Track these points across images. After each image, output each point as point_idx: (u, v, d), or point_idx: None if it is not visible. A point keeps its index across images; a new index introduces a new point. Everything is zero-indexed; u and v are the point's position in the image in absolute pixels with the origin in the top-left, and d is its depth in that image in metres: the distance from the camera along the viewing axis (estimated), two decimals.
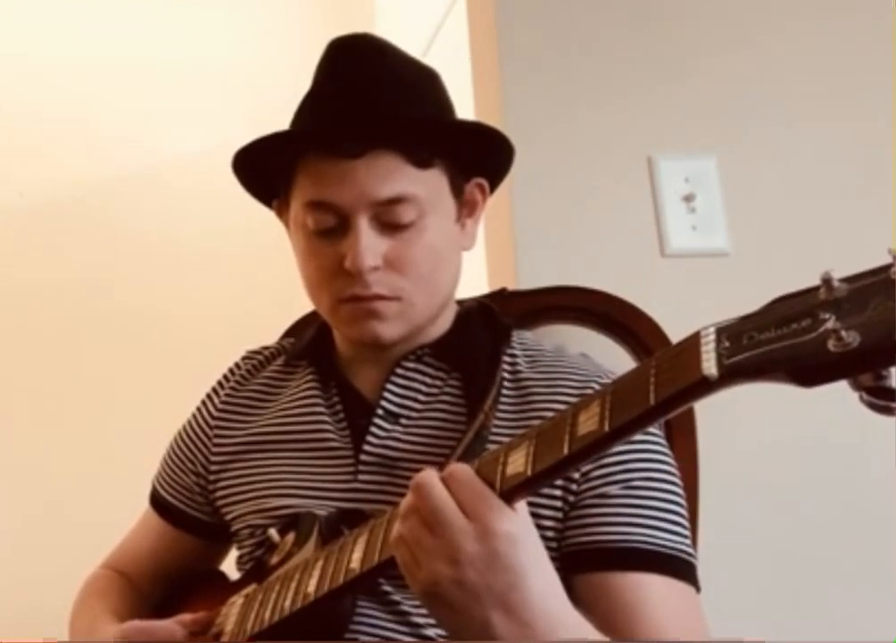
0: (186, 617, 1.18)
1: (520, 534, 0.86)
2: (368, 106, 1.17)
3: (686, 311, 1.45)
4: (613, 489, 1.11)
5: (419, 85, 1.21)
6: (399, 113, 1.18)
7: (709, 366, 0.71)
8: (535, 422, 1.10)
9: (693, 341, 0.74)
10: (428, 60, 2.35)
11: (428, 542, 0.86)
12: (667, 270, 1.76)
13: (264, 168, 1.23)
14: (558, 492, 1.11)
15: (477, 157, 1.24)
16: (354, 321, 1.20)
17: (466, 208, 1.25)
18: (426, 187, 1.17)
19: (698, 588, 1.11)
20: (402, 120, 1.18)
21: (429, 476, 0.88)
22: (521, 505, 0.88)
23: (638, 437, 1.12)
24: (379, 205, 1.14)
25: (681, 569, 1.09)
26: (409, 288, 1.17)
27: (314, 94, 1.22)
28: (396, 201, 1.15)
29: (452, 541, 0.85)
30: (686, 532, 1.12)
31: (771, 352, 0.69)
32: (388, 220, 1.15)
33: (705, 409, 1.33)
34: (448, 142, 1.19)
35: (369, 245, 1.14)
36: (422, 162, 1.16)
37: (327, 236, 1.18)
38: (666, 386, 0.74)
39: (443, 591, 0.86)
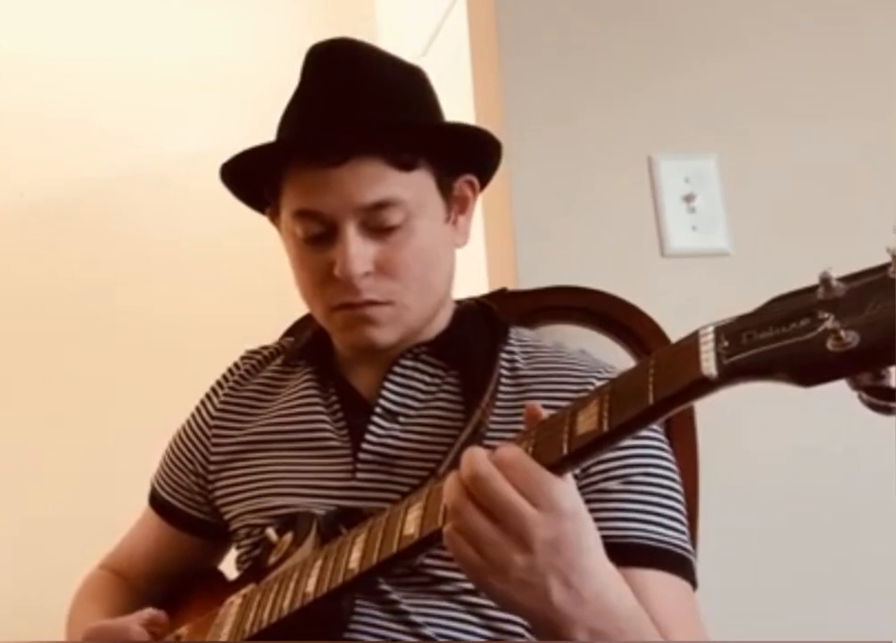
0: (145, 614, 1.18)
1: (581, 510, 0.86)
2: (348, 113, 1.16)
3: (686, 311, 1.45)
4: (612, 485, 1.11)
5: (401, 87, 1.21)
6: (379, 118, 1.17)
7: (709, 366, 0.71)
8: None
9: (692, 340, 0.74)
10: (428, 60, 2.36)
11: (494, 535, 0.83)
12: (667, 270, 1.76)
13: (252, 178, 1.23)
14: None
15: (464, 156, 1.23)
16: (348, 328, 1.20)
17: (457, 205, 1.25)
18: (411, 189, 1.17)
19: (695, 585, 1.12)
20: (382, 125, 1.17)
21: (485, 465, 0.84)
22: (570, 478, 0.86)
23: (640, 433, 1.12)
24: (365, 211, 1.15)
25: (678, 564, 1.10)
26: (401, 292, 1.17)
27: (295, 102, 1.22)
28: (382, 205, 1.15)
29: (523, 531, 0.83)
30: (684, 529, 1.13)
31: (770, 351, 0.69)
32: (375, 224, 1.15)
33: (705, 409, 1.33)
34: (432, 143, 1.19)
35: (358, 251, 1.14)
36: (406, 165, 1.16)
37: (316, 243, 1.18)
38: (665, 385, 0.74)
39: (511, 577, 0.84)
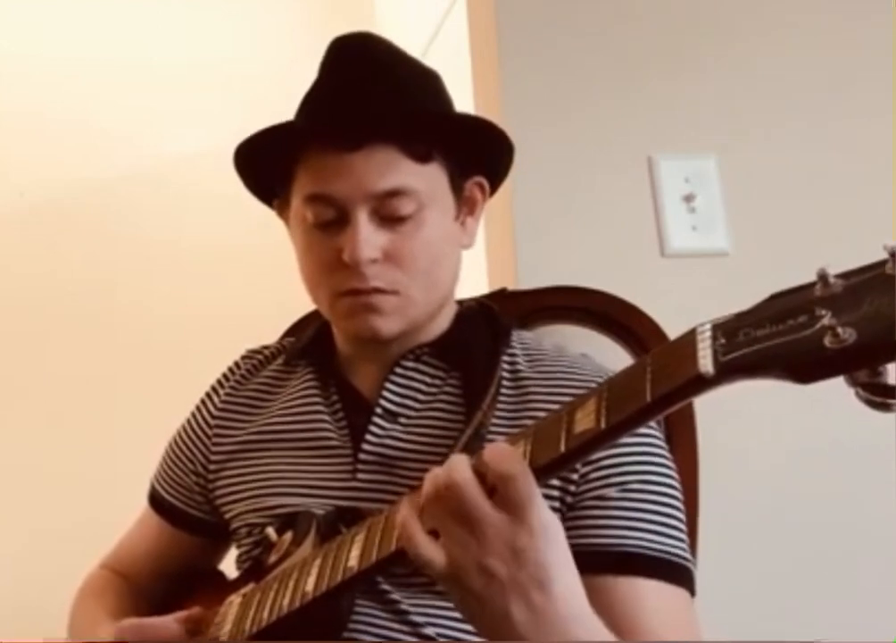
0: (182, 614, 1.18)
1: (552, 529, 0.84)
2: (366, 100, 1.17)
3: (686, 311, 1.44)
4: (610, 492, 1.10)
5: (419, 80, 1.22)
6: (397, 107, 1.18)
7: (706, 363, 0.70)
8: (534, 421, 1.10)
9: (689, 338, 0.74)
10: (428, 60, 2.36)
11: (458, 530, 0.83)
12: (667, 270, 1.76)
13: (265, 164, 1.23)
14: (555, 493, 1.10)
15: (477, 154, 1.24)
16: (352, 315, 1.19)
17: (466, 206, 1.26)
18: (424, 181, 1.17)
19: (693, 593, 1.11)
20: (399, 112, 1.18)
21: (465, 473, 0.84)
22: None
23: (636, 438, 1.12)
24: (378, 198, 1.15)
25: (676, 573, 1.09)
26: (407, 282, 1.17)
27: (315, 89, 1.23)
28: (394, 194, 1.15)
29: (482, 526, 0.82)
30: (683, 536, 1.12)
31: (767, 349, 0.68)
32: (387, 213, 1.15)
33: (705, 409, 1.33)
34: (446, 137, 1.19)
35: (368, 237, 1.14)
36: (421, 157, 1.16)
37: (326, 229, 1.18)
38: (662, 383, 0.74)
39: (466, 578, 0.83)
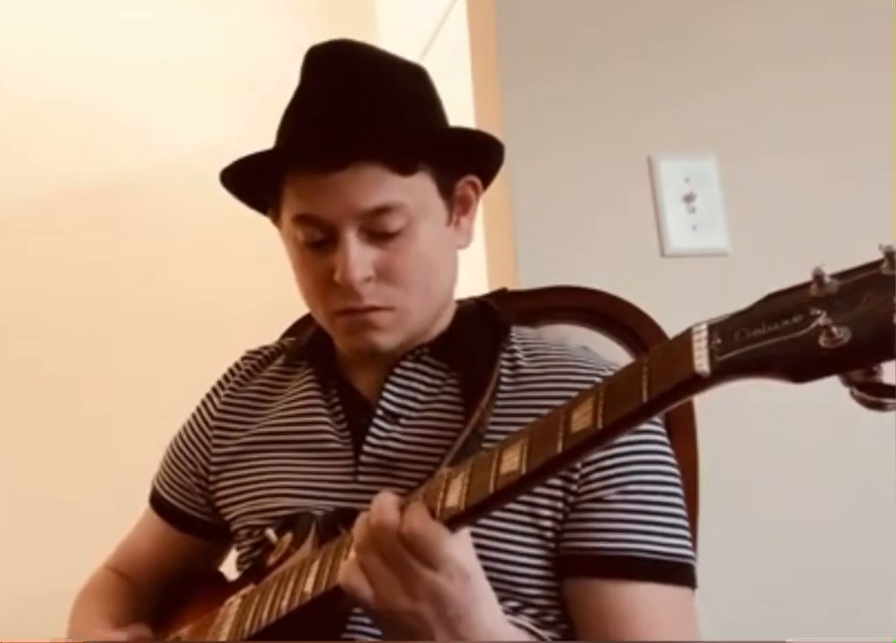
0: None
1: (471, 569, 0.91)
2: (348, 118, 1.15)
3: (686, 311, 1.44)
4: (610, 494, 1.10)
5: (402, 89, 1.20)
6: (380, 123, 1.16)
7: (701, 363, 0.71)
8: (538, 417, 1.10)
9: (685, 338, 0.74)
10: (428, 61, 2.36)
11: (388, 576, 0.90)
12: (667, 270, 1.76)
13: (252, 185, 1.23)
14: (558, 493, 1.11)
15: (465, 158, 1.23)
16: (351, 333, 1.19)
17: (459, 207, 1.24)
18: (412, 193, 1.15)
19: (694, 587, 1.11)
20: (383, 131, 1.16)
21: (390, 515, 0.90)
22: (469, 540, 0.93)
23: (637, 436, 1.12)
24: (366, 216, 1.13)
25: (675, 574, 1.09)
26: (402, 297, 1.17)
27: (295, 106, 1.21)
28: (383, 210, 1.13)
29: (409, 578, 0.89)
30: (684, 532, 1.12)
31: (763, 348, 0.69)
32: (376, 229, 1.14)
33: (706, 407, 1.33)
34: (432, 147, 1.19)
35: (358, 258, 1.14)
36: (407, 170, 1.14)
37: (317, 248, 1.17)
38: (658, 383, 0.74)
39: (398, 620, 0.91)
